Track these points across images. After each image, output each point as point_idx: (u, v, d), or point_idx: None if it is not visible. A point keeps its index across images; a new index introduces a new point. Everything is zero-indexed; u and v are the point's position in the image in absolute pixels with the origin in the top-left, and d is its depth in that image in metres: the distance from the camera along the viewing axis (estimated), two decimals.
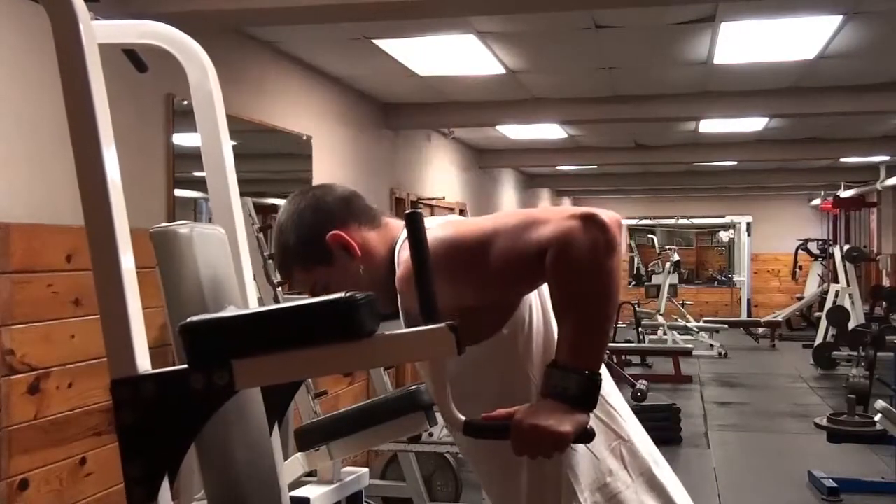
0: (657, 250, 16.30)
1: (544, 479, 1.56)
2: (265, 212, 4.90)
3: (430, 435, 4.21)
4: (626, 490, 1.57)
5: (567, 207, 1.45)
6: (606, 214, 1.39)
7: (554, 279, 1.42)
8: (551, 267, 1.40)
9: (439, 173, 8.38)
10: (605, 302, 1.41)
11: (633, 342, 11.46)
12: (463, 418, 1.40)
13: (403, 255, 1.54)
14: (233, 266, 1.84)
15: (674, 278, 13.83)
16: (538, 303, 1.58)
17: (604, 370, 1.60)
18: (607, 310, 1.41)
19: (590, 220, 1.38)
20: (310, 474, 3.15)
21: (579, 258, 1.38)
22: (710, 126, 8.20)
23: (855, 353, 9.22)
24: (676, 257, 14.08)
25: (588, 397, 1.40)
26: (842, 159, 10.78)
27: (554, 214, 1.42)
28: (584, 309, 1.40)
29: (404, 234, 1.60)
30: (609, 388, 1.65)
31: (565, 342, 1.41)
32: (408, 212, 1.32)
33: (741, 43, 4.95)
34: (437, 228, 1.53)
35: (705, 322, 13.21)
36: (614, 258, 1.39)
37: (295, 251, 1.65)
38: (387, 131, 6.83)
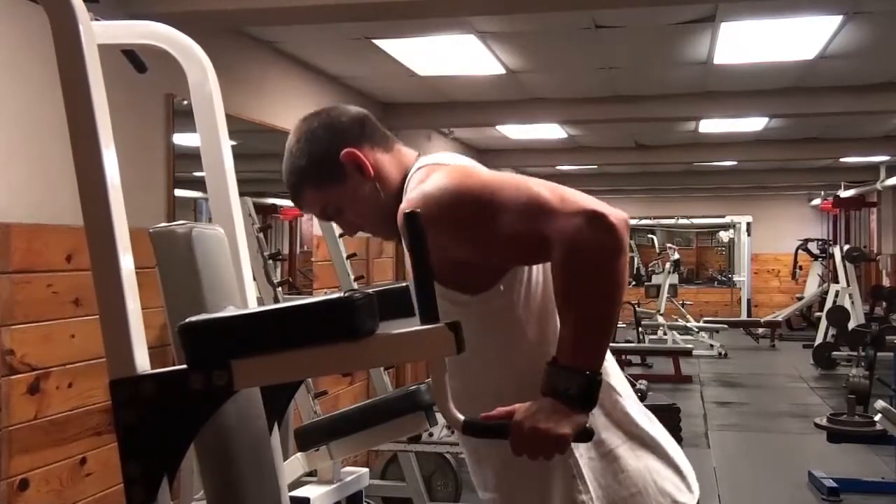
0: (657, 250, 16.29)
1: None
2: (265, 212, 4.91)
3: (430, 435, 4.22)
4: (622, 446, 1.57)
5: (577, 198, 1.41)
6: (615, 215, 1.38)
7: (559, 277, 1.41)
8: (556, 265, 1.40)
9: None
10: (608, 304, 1.40)
11: (633, 342, 11.45)
12: (462, 418, 1.40)
13: (416, 178, 1.54)
14: (232, 266, 1.84)
15: (674, 278, 13.82)
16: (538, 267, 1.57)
17: (610, 359, 1.60)
18: (610, 311, 1.41)
19: (598, 221, 1.36)
20: (310, 474, 3.15)
21: (586, 260, 1.37)
22: (710, 126, 8.20)
23: (855, 353, 9.21)
24: (676, 255, 14.07)
25: (588, 398, 1.40)
26: (842, 159, 10.77)
27: (563, 206, 1.40)
28: (586, 310, 1.40)
29: (418, 163, 1.61)
30: (610, 367, 1.65)
31: (566, 342, 1.41)
32: (408, 211, 1.32)
33: (741, 43, 4.95)
34: (445, 173, 1.50)
35: (705, 322, 13.21)
36: (621, 260, 1.38)
37: (307, 170, 1.64)
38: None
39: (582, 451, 1.53)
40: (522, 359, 1.54)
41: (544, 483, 1.54)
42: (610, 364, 1.64)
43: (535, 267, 1.56)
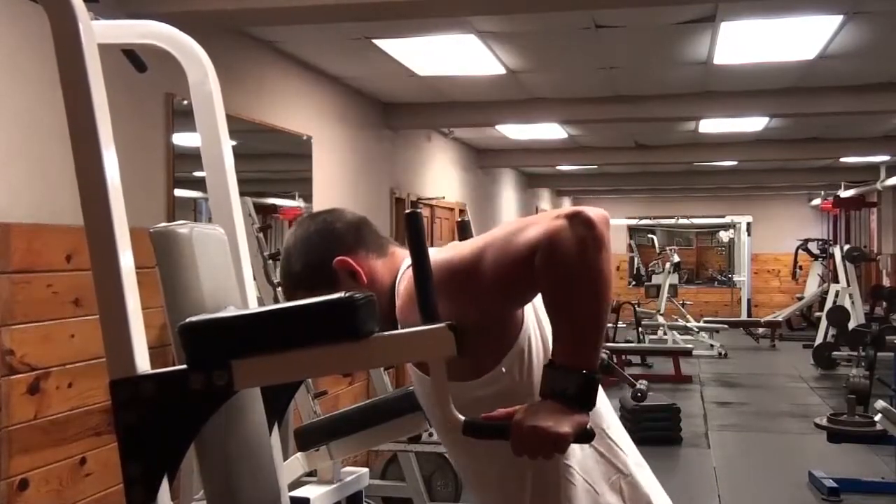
0: (657, 250, 16.30)
1: None
2: (265, 212, 4.91)
3: (430, 435, 4.21)
4: None
5: (554, 210, 1.45)
6: (593, 211, 1.39)
7: (544, 279, 1.41)
8: (541, 267, 1.40)
9: (439, 173, 8.38)
10: (596, 299, 1.40)
11: (633, 342, 11.46)
12: (462, 418, 1.40)
13: (402, 286, 1.55)
14: (232, 266, 1.84)
15: (674, 278, 13.82)
16: (537, 335, 1.57)
17: (602, 397, 1.59)
18: (599, 307, 1.41)
19: (575, 219, 1.38)
20: (310, 474, 3.15)
21: (567, 256, 1.38)
22: (710, 126, 8.20)
23: (855, 353, 9.21)
24: (676, 258, 14.07)
25: (587, 397, 1.39)
26: (842, 159, 10.78)
27: (541, 218, 1.43)
28: (575, 307, 1.40)
29: (406, 263, 1.60)
30: (610, 419, 1.65)
31: (560, 342, 1.41)
32: (407, 212, 1.32)
33: (741, 43, 4.95)
34: (437, 253, 1.53)
35: (705, 322, 13.21)
36: (602, 254, 1.39)
37: (301, 275, 1.65)
38: (387, 131, 6.83)
39: None
40: None
41: None
42: (620, 438, 1.65)
43: (533, 344, 1.56)
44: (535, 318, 1.58)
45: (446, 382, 1.37)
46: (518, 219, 1.50)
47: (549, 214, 1.42)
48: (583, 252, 1.38)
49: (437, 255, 1.52)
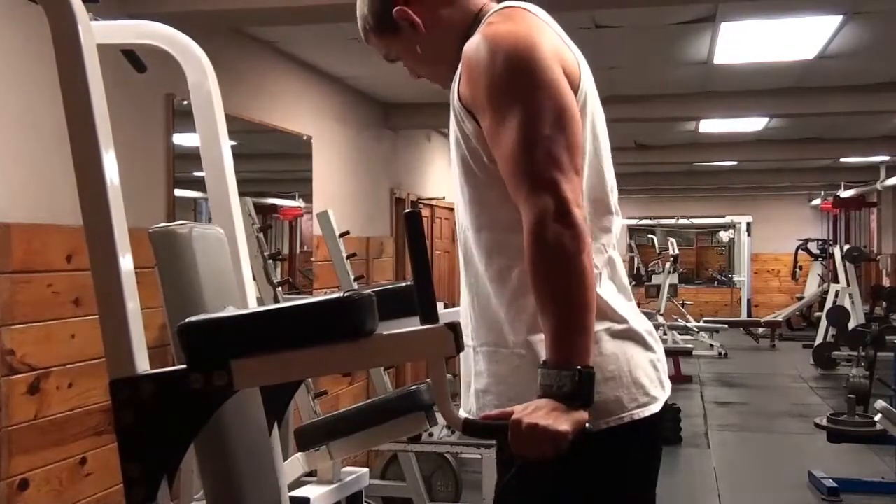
0: (657, 250, 16.29)
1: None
2: (265, 212, 4.91)
3: (430, 435, 4.21)
4: (601, 330, 1.53)
5: (556, 171, 1.43)
6: (577, 207, 1.41)
7: (529, 274, 1.44)
8: (526, 257, 1.43)
9: (439, 173, 8.38)
10: (576, 294, 1.40)
11: None
12: (462, 417, 1.40)
13: (486, 29, 1.55)
14: (232, 266, 1.84)
15: (674, 278, 13.81)
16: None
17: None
18: (581, 301, 1.41)
19: (560, 218, 1.39)
20: (310, 474, 3.14)
21: (547, 260, 1.40)
22: (710, 126, 8.20)
23: (855, 353, 9.20)
24: (676, 250, 14.04)
25: (584, 392, 1.39)
26: (842, 159, 10.77)
27: (536, 173, 1.43)
28: (558, 305, 1.41)
29: (498, 7, 1.63)
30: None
31: (549, 341, 1.42)
32: (407, 211, 1.32)
33: (741, 43, 4.95)
34: (516, 31, 1.53)
35: (705, 322, 13.20)
36: (582, 258, 1.40)
37: (369, 18, 1.72)
38: (387, 131, 6.83)
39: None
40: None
41: (521, 361, 1.54)
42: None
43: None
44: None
45: (446, 381, 1.37)
46: (520, 136, 1.46)
47: (544, 172, 1.42)
48: (562, 256, 1.40)
49: (510, 38, 1.51)
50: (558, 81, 1.49)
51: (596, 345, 1.48)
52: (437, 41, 1.68)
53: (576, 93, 1.53)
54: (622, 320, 1.57)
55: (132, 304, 1.37)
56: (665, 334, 12.11)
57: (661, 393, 1.60)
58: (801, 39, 4.89)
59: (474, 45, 1.52)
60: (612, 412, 1.51)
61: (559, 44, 1.58)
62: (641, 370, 1.57)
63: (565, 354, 1.40)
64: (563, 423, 1.36)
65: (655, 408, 1.57)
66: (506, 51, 1.49)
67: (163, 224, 1.67)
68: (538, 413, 1.37)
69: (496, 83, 1.48)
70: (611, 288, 1.60)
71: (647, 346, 1.60)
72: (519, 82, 1.48)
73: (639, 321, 1.62)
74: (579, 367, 1.39)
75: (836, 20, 4.45)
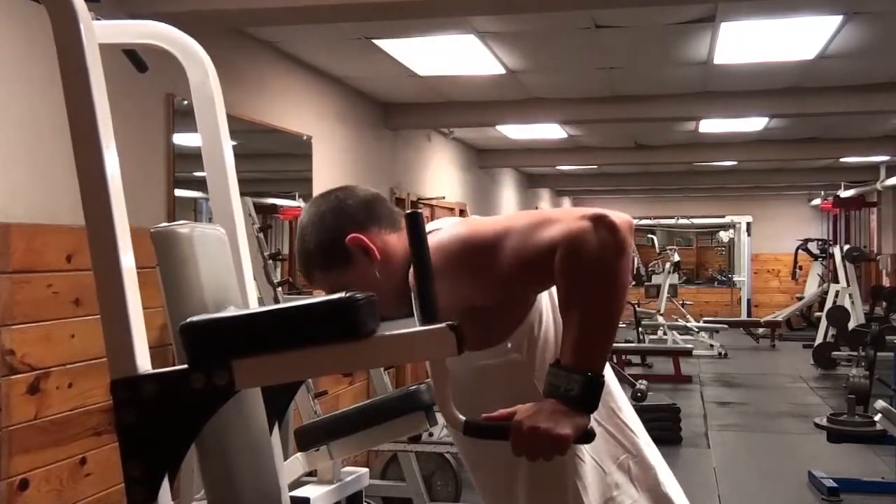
0: (657, 250, 16.29)
1: (547, 490, 1.57)
2: (265, 212, 4.91)
3: (430, 435, 4.21)
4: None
5: (579, 209, 1.45)
6: (617, 216, 1.39)
7: (561, 278, 1.42)
8: (559, 265, 1.40)
9: (439, 173, 8.38)
10: (610, 304, 1.40)
11: (633, 342, 11.45)
12: (463, 418, 1.40)
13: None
14: (233, 266, 1.84)
15: (674, 278, 13.82)
16: (549, 314, 1.58)
17: (613, 379, 1.60)
18: (613, 311, 1.41)
19: (600, 221, 1.38)
20: (310, 474, 3.15)
21: (587, 259, 1.38)
22: (710, 126, 8.20)
23: (855, 353, 9.21)
24: (676, 258, 14.06)
25: (590, 399, 1.39)
26: (842, 159, 10.78)
27: (566, 215, 1.43)
28: (589, 310, 1.40)
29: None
30: (620, 400, 1.66)
31: (569, 342, 1.41)
32: (408, 212, 1.33)
33: (741, 43, 4.95)
34: (454, 226, 1.55)
35: (705, 322, 13.21)
36: (623, 260, 1.39)
37: (315, 254, 1.66)
38: (387, 131, 6.83)
39: None
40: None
41: None
42: (630, 418, 1.67)
43: (543, 321, 1.57)
44: (550, 299, 1.59)
45: (447, 382, 1.37)
46: (541, 210, 1.50)
47: (574, 213, 1.42)
48: (603, 257, 1.38)
49: (455, 228, 1.55)
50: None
51: None
52: (389, 269, 1.62)
53: None
54: (655, 490, 1.62)
55: (134, 303, 1.36)
56: (665, 334, 12.12)
57: None
58: (801, 39, 4.89)
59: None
60: None
61: None
62: None
63: (582, 359, 1.40)
64: (564, 427, 1.36)
65: None
66: (459, 240, 1.52)
67: (164, 224, 1.67)
68: (541, 415, 1.37)
69: (477, 246, 1.50)
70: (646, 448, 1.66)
71: None
72: (491, 229, 1.51)
73: (668, 482, 1.66)
74: (591, 373, 1.39)
75: (836, 20, 4.45)
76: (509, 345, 1.55)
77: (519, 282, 1.50)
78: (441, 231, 1.57)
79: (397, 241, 1.65)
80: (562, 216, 1.43)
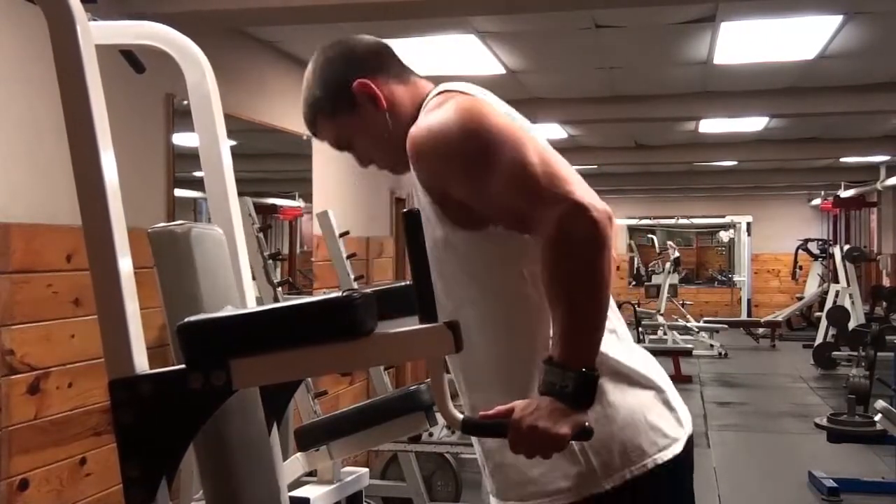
0: (657, 250, 16.29)
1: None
2: (265, 212, 4.91)
3: (430, 435, 4.22)
4: (606, 383, 1.51)
5: (563, 181, 1.41)
6: (598, 209, 1.38)
7: (544, 273, 1.42)
8: (542, 262, 1.40)
9: None
10: (593, 301, 1.40)
11: None
12: (461, 416, 1.40)
13: (420, 119, 1.53)
14: (231, 266, 1.84)
15: (674, 278, 13.82)
16: None
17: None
18: (596, 307, 1.40)
19: (581, 216, 1.37)
20: (310, 474, 3.14)
21: (567, 257, 1.38)
22: (710, 126, 8.20)
23: (855, 353, 9.21)
24: (676, 254, 14.06)
25: (586, 395, 1.39)
26: (842, 159, 10.78)
27: (549, 187, 1.40)
28: (572, 307, 1.40)
29: (438, 88, 1.61)
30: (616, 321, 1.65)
31: (558, 338, 1.41)
32: (405, 210, 1.32)
33: (741, 43, 4.95)
34: (458, 106, 1.49)
35: (705, 322, 13.20)
36: (603, 256, 1.38)
37: (321, 99, 1.64)
38: None
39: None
40: (517, 297, 1.53)
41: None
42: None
43: None
44: None
45: (445, 381, 1.38)
46: (530, 156, 1.43)
47: (558, 186, 1.40)
48: (583, 254, 1.38)
49: (459, 111, 1.48)
50: (519, 128, 1.50)
51: (604, 396, 1.48)
52: (394, 119, 1.61)
53: None
54: (627, 372, 1.57)
55: (131, 304, 1.37)
56: (665, 334, 12.12)
57: (680, 432, 1.60)
58: (801, 39, 4.89)
59: (424, 131, 1.48)
60: (633, 461, 1.51)
61: (503, 105, 1.59)
62: (655, 413, 1.57)
63: (574, 354, 1.39)
64: (563, 425, 1.36)
65: (678, 448, 1.57)
66: (459, 124, 1.46)
67: (162, 224, 1.67)
68: (538, 413, 1.37)
69: (465, 153, 1.45)
70: (611, 339, 1.57)
71: (657, 390, 1.60)
72: (485, 141, 1.45)
73: (643, 366, 1.61)
74: (584, 368, 1.39)
75: (836, 20, 4.45)
76: (499, 228, 1.51)
77: (488, 213, 1.48)
78: (443, 108, 1.51)
79: (404, 92, 1.64)
80: (545, 187, 1.39)
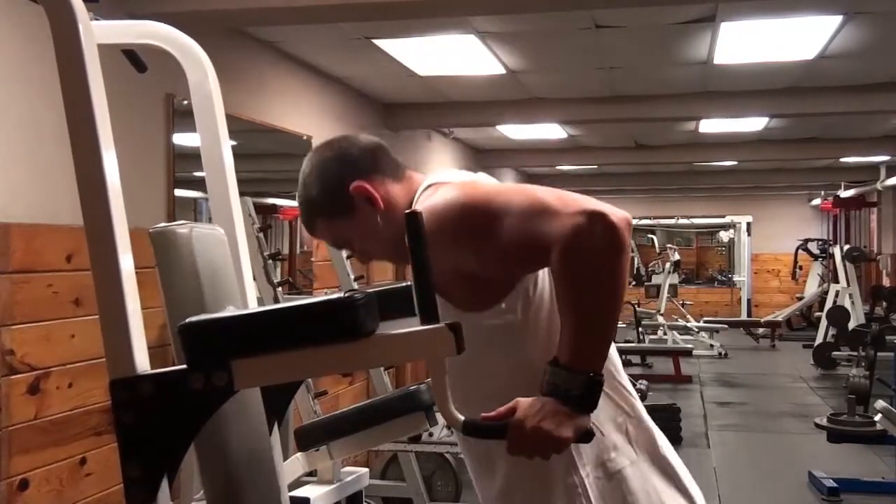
0: (657, 250, 16.29)
1: None
2: (265, 212, 4.91)
3: (430, 435, 4.21)
4: (630, 466, 1.57)
5: (578, 200, 1.41)
6: (616, 214, 1.38)
7: (559, 277, 1.41)
8: (557, 264, 1.39)
9: None
10: (608, 303, 1.40)
11: (633, 342, 11.44)
12: (462, 418, 1.40)
13: (424, 204, 1.54)
14: (232, 266, 1.84)
15: (674, 278, 13.82)
16: (544, 274, 1.57)
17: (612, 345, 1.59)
18: (611, 311, 1.41)
19: (598, 220, 1.36)
20: (310, 474, 3.15)
21: (585, 259, 1.37)
22: (710, 126, 8.20)
23: (855, 353, 9.21)
24: (677, 256, 14.06)
25: (590, 399, 1.39)
26: (842, 159, 10.77)
27: (565, 206, 1.40)
28: (587, 309, 1.39)
29: (424, 183, 1.62)
30: (618, 362, 1.65)
31: (568, 342, 1.40)
32: (407, 212, 1.32)
33: (741, 43, 4.95)
34: (450, 189, 1.53)
35: (705, 322, 13.20)
36: (621, 260, 1.38)
37: (318, 202, 1.64)
38: (387, 131, 6.83)
39: (588, 471, 1.54)
40: (527, 373, 1.52)
41: (548, 501, 1.54)
42: (627, 382, 1.66)
43: (539, 282, 1.56)
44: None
45: (446, 382, 1.37)
46: (539, 193, 1.45)
47: (572, 205, 1.40)
48: (600, 256, 1.37)
49: (451, 192, 1.51)
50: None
51: (625, 483, 1.54)
52: (392, 219, 1.60)
53: None
54: (651, 454, 1.61)
55: (132, 304, 1.36)
56: (665, 334, 12.12)
57: None
58: (801, 39, 4.89)
59: (426, 215, 1.45)
60: None
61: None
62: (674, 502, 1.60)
63: (582, 358, 1.39)
64: (566, 429, 1.36)
65: None
66: (457, 196, 1.49)
67: (163, 224, 1.67)
68: (543, 415, 1.37)
69: (471, 214, 1.48)
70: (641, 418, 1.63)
71: (675, 477, 1.63)
72: (488, 197, 1.49)
73: (664, 448, 1.65)
74: (591, 373, 1.39)
75: (836, 20, 4.45)
76: (503, 305, 1.54)
77: (510, 262, 1.50)
78: (437, 194, 1.54)
79: (400, 190, 1.64)
80: (561, 208, 1.40)
